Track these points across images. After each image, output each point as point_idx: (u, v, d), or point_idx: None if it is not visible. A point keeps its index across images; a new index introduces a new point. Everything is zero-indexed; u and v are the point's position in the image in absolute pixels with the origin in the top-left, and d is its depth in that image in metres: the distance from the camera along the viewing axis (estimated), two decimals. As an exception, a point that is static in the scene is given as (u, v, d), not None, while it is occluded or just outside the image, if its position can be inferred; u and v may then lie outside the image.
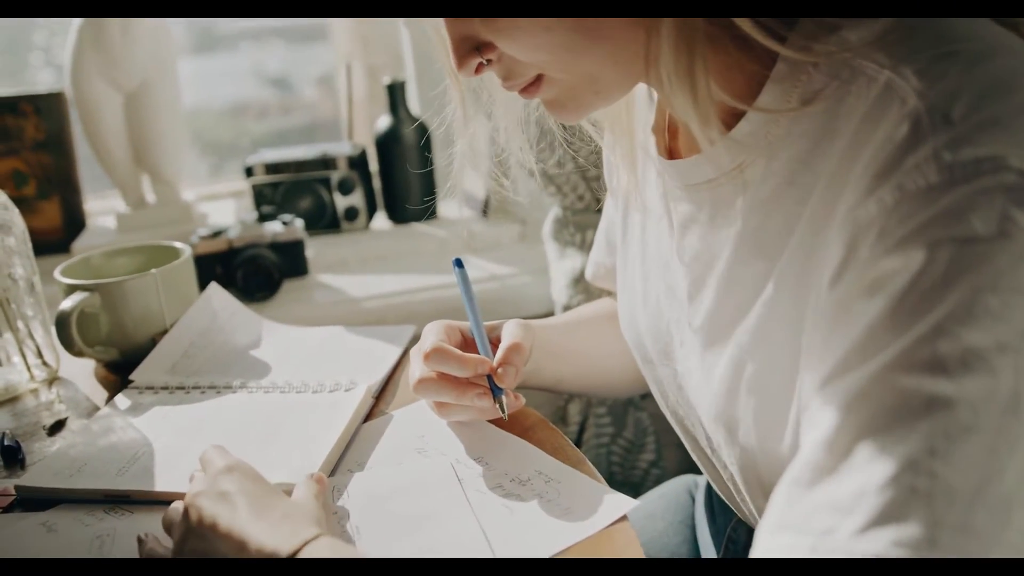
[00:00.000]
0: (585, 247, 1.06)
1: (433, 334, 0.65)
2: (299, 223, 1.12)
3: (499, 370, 0.62)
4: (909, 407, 0.36)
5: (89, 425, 0.71)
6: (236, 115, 1.60)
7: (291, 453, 0.64)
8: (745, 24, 0.43)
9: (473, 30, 0.47)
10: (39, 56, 1.42)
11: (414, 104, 1.32)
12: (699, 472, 0.77)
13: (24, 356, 0.81)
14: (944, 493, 0.35)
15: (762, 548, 0.39)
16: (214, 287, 0.89)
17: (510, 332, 0.65)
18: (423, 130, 1.22)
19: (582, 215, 1.08)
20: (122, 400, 0.76)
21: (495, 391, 0.62)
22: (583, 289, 1.05)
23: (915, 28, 0.42)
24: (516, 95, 0.52)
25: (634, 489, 1.13)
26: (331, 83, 1.50)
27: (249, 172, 1.23)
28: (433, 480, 0.60)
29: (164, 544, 0.54)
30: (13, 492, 0.63)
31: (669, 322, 0.60)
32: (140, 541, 0.54)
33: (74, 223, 1.22)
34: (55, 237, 1.20)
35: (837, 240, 0.42)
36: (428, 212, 1.27)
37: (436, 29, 0.53)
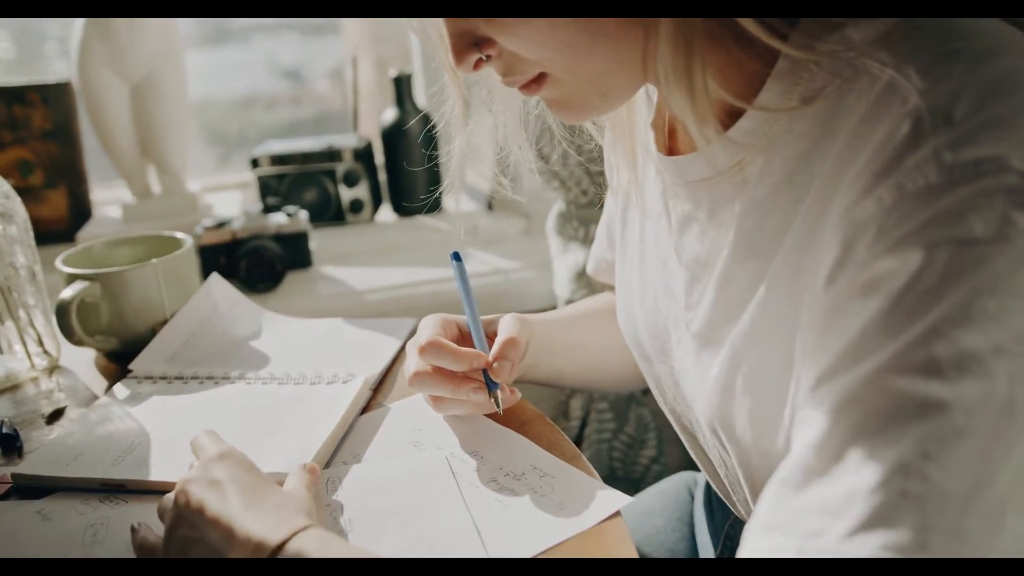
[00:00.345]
0: (588, 242, 1.06)
1: (429, 328, 0.65)
2: (303, 215, 1.12)
3: (494, 364, 0.62)
4: (902, 409, 0.35)
5: (87, 414, 0.71)
6: (247, 107, 1.59)
7: (286, 443, 0.64)
8: (748, 22, 0.42)
9: (472, 25, 0.47)
10: (54, 46, 1.41)
11: (420, 97, 1.32)
12: (699, 469, 0.76)
13: (25, 344, 0.82)
14: (936, 497, 0.34)
15: (749, 548, 0.39)
16: (215, 278, 0.89)
17: (506, 326, 0.65)
18: (429, 123, 1.22)
19: (586, 210, 1.08)
20: (121, 389, 0.76)
21: (490, 385, 0.62)
22: (586, 284, 1.05)
23: (919, 26, 0.42)
24: (515, 91, 0.51)
25: (635, 485, 1.12)
26: (343, 75, 1.49)
27: (255, 164, 1.23)
28: (428, 473, 0.60)
29: (157, 533, 0.54)
30: (9, 480, 0.63)
31: (666, 320, 0.59)
32: (133, 530, 0.55)
33: (80, 213, 1.23)
34: (61, 226, 1.20)
35: (833, 239, 0.41)
36: (433, 205, 1.26)
37: (434, 24, 0.52)
